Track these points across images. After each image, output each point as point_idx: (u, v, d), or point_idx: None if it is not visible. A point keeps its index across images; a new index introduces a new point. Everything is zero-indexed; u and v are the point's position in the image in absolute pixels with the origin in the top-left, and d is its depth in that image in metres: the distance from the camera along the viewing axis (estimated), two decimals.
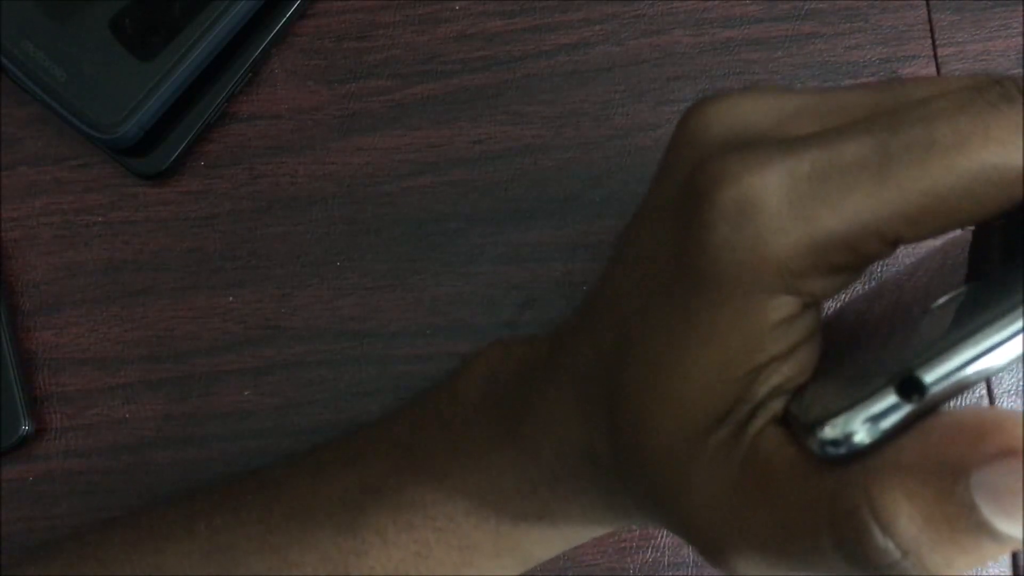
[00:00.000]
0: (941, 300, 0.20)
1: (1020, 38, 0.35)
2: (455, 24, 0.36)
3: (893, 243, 0.19)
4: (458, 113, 0.36)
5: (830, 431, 0.19)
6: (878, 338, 0.22)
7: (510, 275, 0.35)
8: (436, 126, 0.36)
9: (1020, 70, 0.35)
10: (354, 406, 0.35)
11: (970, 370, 0.18)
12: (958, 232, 0.21)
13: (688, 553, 0.34)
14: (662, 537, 0.34)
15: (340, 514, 0.28)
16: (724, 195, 0.20)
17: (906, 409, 0.18)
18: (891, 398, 0.18)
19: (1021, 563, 0.34)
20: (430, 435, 0.28)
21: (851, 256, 0.19)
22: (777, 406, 0.20)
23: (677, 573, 0.34)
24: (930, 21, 0.36)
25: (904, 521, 0.17)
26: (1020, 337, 0.18)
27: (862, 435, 0.18)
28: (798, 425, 0.20)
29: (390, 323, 0.35)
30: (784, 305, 0.20)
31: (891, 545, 0.17)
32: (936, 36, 0.36)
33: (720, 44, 0.36)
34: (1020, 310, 0.18)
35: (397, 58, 0.36)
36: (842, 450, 0.19)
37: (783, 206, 0.19)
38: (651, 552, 0.34)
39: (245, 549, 0.28)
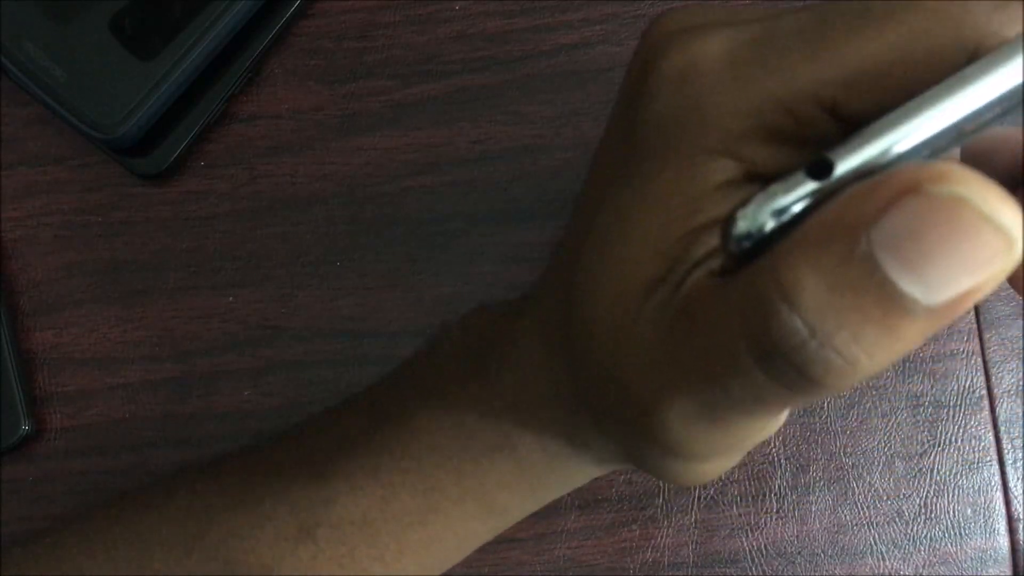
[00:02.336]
0: None
1: None
2: (455, 24, 0.36)
3: (831, 110, 0.19)
4: (458, 113, 0.36)
5: (742, 223, 0.18)
6: None
7: (510, 275, 0.35)
8: (436, 126, 0.36)
9: None
10: None
11: (876, 146, 0.17)
12: None
13: (688, 553, 0.34)
14: (662, 537, 0.34)
15: (312, 465, 0.28)
16: (667, 61, 0.20)
17: (813, 186, 0.18)
18: (801, 182, 0.18)
19: (1021, 563, 0.34)
20: (403, 385, 0.29)
21: (789, 121, 0.19)
22: (714, 264, 0.20)
23: (677, 573, 0.34)
24: None
25: (808, 293, 0.16)
26: (925, 121, 0.17)
27: (771, 222, 0.18)
28: (721, 242, 0.19)
29: (390, 323, 0.35)
30: (725, 168, 0.20)
31: (797, 321, 0.16)
32: None
33: None
34: (927, 99, 0.17)
35: (397, 58, 0.36)
36: (753, 242, 0.18)
37: (723, 68, 0.20)
38: (651, 552, 0.34)
39: (220, 506, 0.28)
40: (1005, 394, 0.35)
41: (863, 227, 0.16)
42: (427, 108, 0.36)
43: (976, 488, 0.35)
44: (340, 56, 0.36)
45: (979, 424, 0.35)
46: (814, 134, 0.20)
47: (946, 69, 0.18)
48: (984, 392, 0.35)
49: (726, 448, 0.22)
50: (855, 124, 0.19)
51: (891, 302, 0.16)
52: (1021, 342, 0.35)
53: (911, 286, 0.15)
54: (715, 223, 0.20)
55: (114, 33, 0.33)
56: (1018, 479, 0.35)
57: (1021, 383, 0.35)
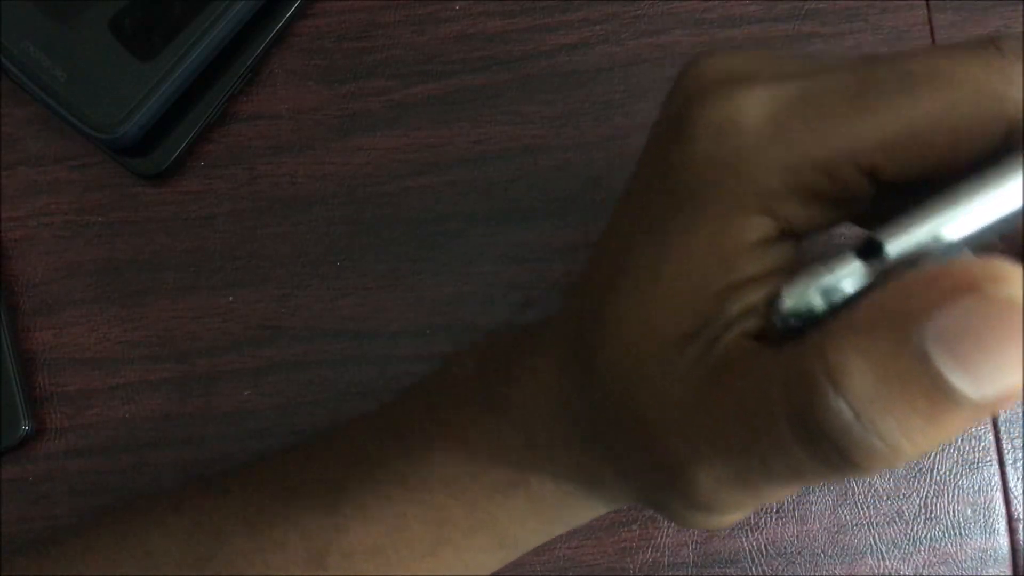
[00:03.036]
0: None
1: None
2: (455, 24, 0.36)
3: (870, 174, 0.20)
4: (458, 113, 0.36)
5: (789, 300, 0.18)
6: None
7: (510, 275, 0.35)
8: (436, 126, 0.36)
9: None
10: (354, 406, 0.35)
11: (928, 232, 0.17)
12: None
13: (688, 553, 0.34)
14: (662, 537, 0.34)
15: (323, 492, 0.28)
16: (708, 112, 0.20)
17: (865, 270, 0.18)
18: (851, 263, 0.18)
19: (1021, 563, 0.34)
20: (415, 411, 0.29)
21: (828, 182, 0.20)
22: (749, 323, 0.20)
23: (677, 573, 0.34)
24: (930, 21, 0.36)
25: (856, 378, 0.16)
26: (979, 206, 0.17)
27: (820, 301, 0.18)
28: (766, 318, 0.20)
29: (390, 323, 0.35)
30: (761, 226, 0.20)
31: (843, 405, 0.16)
32: (936, 36, 0.36)
33: (720, 44, 0.36)
34: (982, 186, 0.17)
35: (397, 58, 0.36)
36: (801, 321, 0.18)
37: (764, 125, 0.20)
38: (651, 552, 0.34)
39: (230, 529, 0.28)
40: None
41: (916, 320, 0.16)
42: (427, 108, 0.36)
43: (976, 488, 0.35)
44: (340, 56, 0.36)
45: (979, 424, 0.35)
46: (851, 194, 0.20)
47: (985, 139, 0.19)
48: None
49: (752, 505, 0.22)
50: (891, 186, 0.19)
51: (940, 395, 0.16)
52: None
53: (961, 381, 0.16)
54: (749, 281, 0.20)
55: (114, 33, 0.33)
56: (1018, 479, 0.35)
57: None
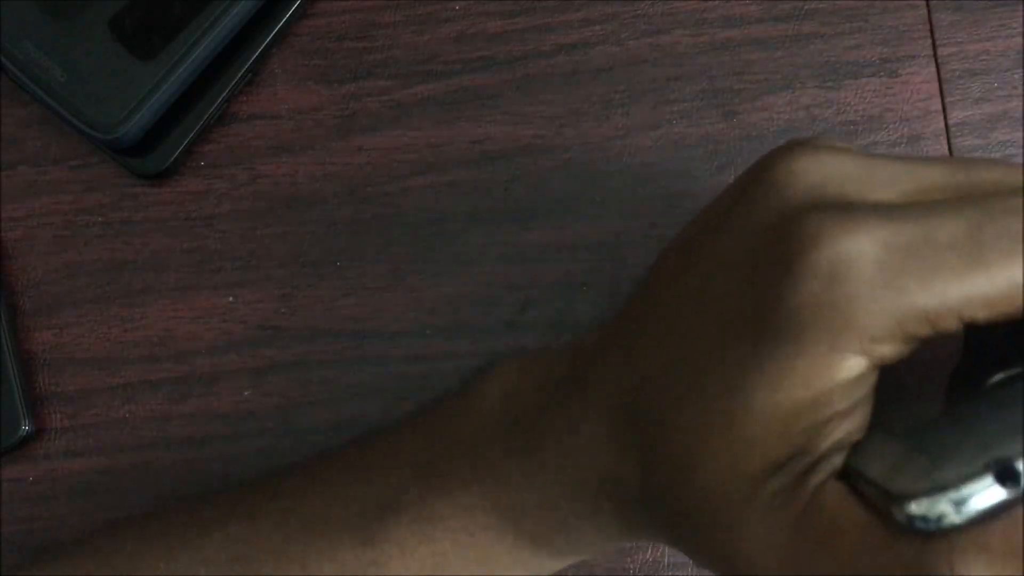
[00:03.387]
0: (997, 377, 0.22)
1: (1020, 38, 0.36)
2: (455, 24, 0.36)
3: (968, 321, 0.20)
4: (458, 113, 0.36)
5: (919, 507, 0.19)
6: (917, 381, 0.23)
7: (510, 275, 0.35)
8: (436, 126, 0.36)
9: (1020, 70, 0.35)
10: (354, 406, 0.35)
11: None
12: None
13: None
14: None
15: (358, 525, 0.28)
16: (819, 254, 0.20)
17: (1001, 495, 0.19)
18: (987, 484, 0.19)
19: None
20: (447, 449, 0.28)
21: (927, 329, 0.20)
22: (837, 460, 0.21)
23: (677, 573, 0.34)
24: (930, 21, 0.36)
25: None
26: None
27: (953, 516, 0.19)
28: (869, 487, 0.20)
29: (390, 323, 0.35)
30: (856, 366, 0.20)
31: None
32: (936, 36, 0.36)
33: (720, 44, 0.36)
34: None
35: (397, 58, 0.36)
36: (931, 527, 0.19)
37: (875, 274, 0.20)
38: (651, 552, 0.34)
39: (263, 558, 0.28)
40: None
41: None
42: (427, 108, 0.36)
43: None
44: (340, 56, 0.36)
45: None
46: (942, 334, 0.20)
47: None
48: None
49: None
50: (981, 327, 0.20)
51: None
52: None
53: None
54: (839, 415, 0.21)
55: (114, 33, 0.33)
56: None
57: None
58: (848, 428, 0.21)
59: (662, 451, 0.23)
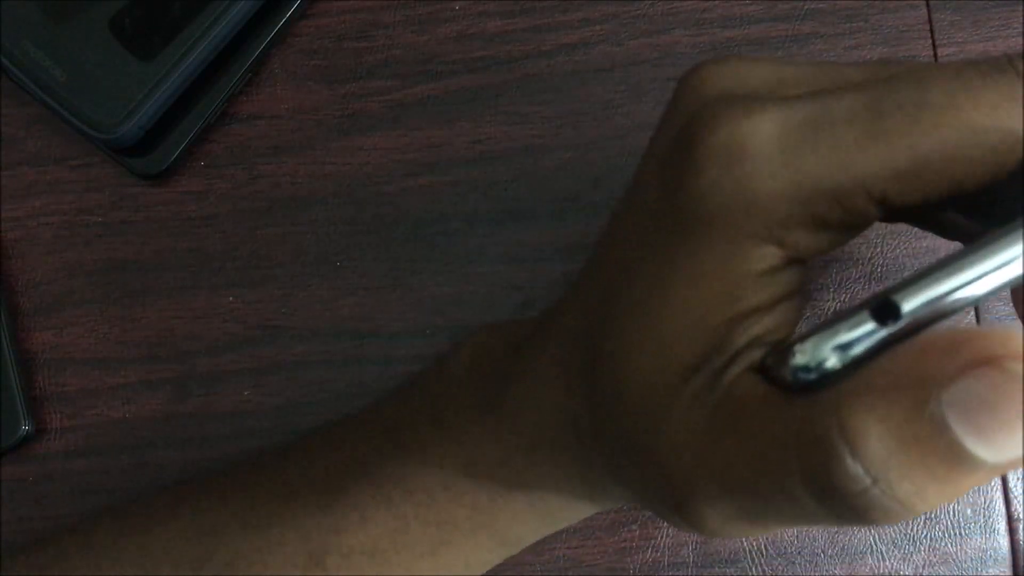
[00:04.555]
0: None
1: (1020, 38, 0.35)
2: (455, 24, 0.36)
3: (879, 202, 0.19)
4: (458, 113, 0.36)
5: (801, 356, 0.19)
6: None
7: (510, 275, 0.35)
8: (436, 126, 0.36)
9: None
10: (354, 406, 0.35)
11: (943, 293, 0.18)
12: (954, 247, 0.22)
13: (688, 553, 0.34)
14: (662, 537, 0.34)
15: (322, 492, 0.28)
16: (715, 138, 0.20)
17: (880, 333, 0.18)
18: (865, 323, 0.18)
19: (1021, 564, 0.34)
20: (415, 412, 0.29)
21: (837, 210, 0.20)
22: (755, 356, 0.20)
23: (677, 573, 0.34)
24: (930, 21, 0.36)
25: (874, 443, 0.17)
26: (997, 266, 0.17)
27: (834, 360, 0.18)
28: (774, 365, 0.20)
29: (390, 323, 0.35)
30: (768, 255, 0.20)
31: (860, 470, 0.17)
32: (936, 36, 0.36)
33: (720, 44, 0.36)
34: (999, 241, 0.17)
35: (397, 58, 0.36)
36: (813, 376, 0.18)
37: (773, 152, 0.19)
38: (651, 552, 0.34)
39: (228, 528, 0.28)
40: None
41: (935, 388, 0.16)
42: (427, 108, 0.36)
43: (976, 488, 0.35)
44: (340, 56, 0.36)
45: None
46: (858, 219, 0.20)
47: (1002, 168, 0.18)
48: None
49: (756, 534, 0.22)
50: (899, 211, 0.19)
51: (956, 460, 0.16)
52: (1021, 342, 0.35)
53: (979, 448, 0.16)
54: (755, 310, 0.20)
55: (114, 33, 0.33)
56: (1018, 479, 0.35)
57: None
58: (768, 324, 0.20)
59: (601, 365, 0.22)
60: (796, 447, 0.18)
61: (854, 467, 0.17)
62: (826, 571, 0.34)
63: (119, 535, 0.29)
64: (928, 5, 0.36)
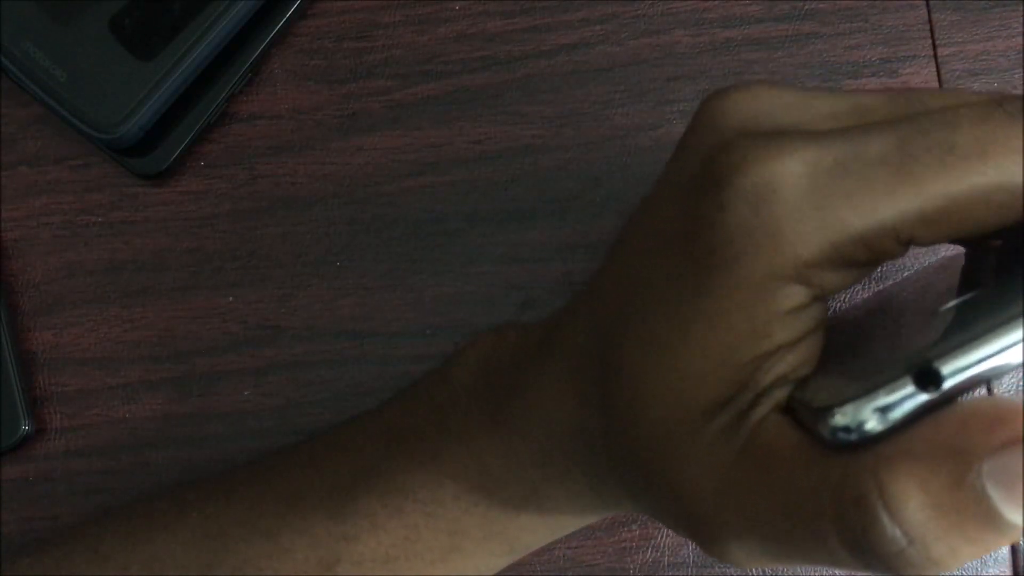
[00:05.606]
0: (948, 304, 0.21)
1: (1020, 38, 0.35)
2: (455, 24, 0.36)
3: (906, 243, 0.20)
4: (458, 113, 0.36)
5: (842, 417, 0.19)
6: (882, 339, 0.22)
7: (510, 275, 0.35)
8: (436, 126, 0.36)
9: (1020, 70, 0.35)
10: (354, 406, 0.35)
11: (987, 365, 0.18)
12: (952, 250, 0.22)
13: (688, 553, 0.34)
14: (662, 537, 0.34)
15: (331, 499, 0.28)
16: (745, 178, 0.20)
17: (921, 399, 0.18)
18: (907, 388, 0.18)
19: (1021, 563, 0.34)
20: (421, 419, 0.28)
21: (865, 252, 0.20)
22: (780, 395, 0.20)
23: (677, 573, 0.34)
24: (930, 21, 0.36)
25: (913, 508, 0.17)
26: None
27: (874, 423, 0.18)
28: (806, 411, 0.20)
29: (390, 323, 0.35)
30: (795, 294, 0.20)
31: (898, 532, 0.17)
32: (936, 36, 0.36)
33: (720, 44, 0.36)
34: None
35: (397, 58, 0.36)
36: (853, 437, 0.19)
37: (803, 195, 0.19)
38: (651, 552, 0.34)
39: (236, 535, 0.28)
40: (1005, 394, 0.35)
41: (976, 459, 0.17)
42: (427, 108, 0.36)
43: None
44: (340, 56, 0.36)
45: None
46: (883, 257, 0.20)
47: None
48: (984, 394, 0.35)
49: (779, 566, 0.23)
50: (922, 245, 0.20)
51: (992, 525, 0.17)
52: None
53: (1015, 515, 0.17)
54: (780, 348, 0.20)
55: (114, 33, 0.33)
56: None
57: (1021, 383, 0.35)
58: (793, 362, 0.20)
59: (617, 392, 0.22)
60: (833, 503, 0.18)
61: (892, 529, 0.17)
62: (826, 571, 0.34)
63: (125, 540, 0.29)
64: (928, 5, 0.36)
